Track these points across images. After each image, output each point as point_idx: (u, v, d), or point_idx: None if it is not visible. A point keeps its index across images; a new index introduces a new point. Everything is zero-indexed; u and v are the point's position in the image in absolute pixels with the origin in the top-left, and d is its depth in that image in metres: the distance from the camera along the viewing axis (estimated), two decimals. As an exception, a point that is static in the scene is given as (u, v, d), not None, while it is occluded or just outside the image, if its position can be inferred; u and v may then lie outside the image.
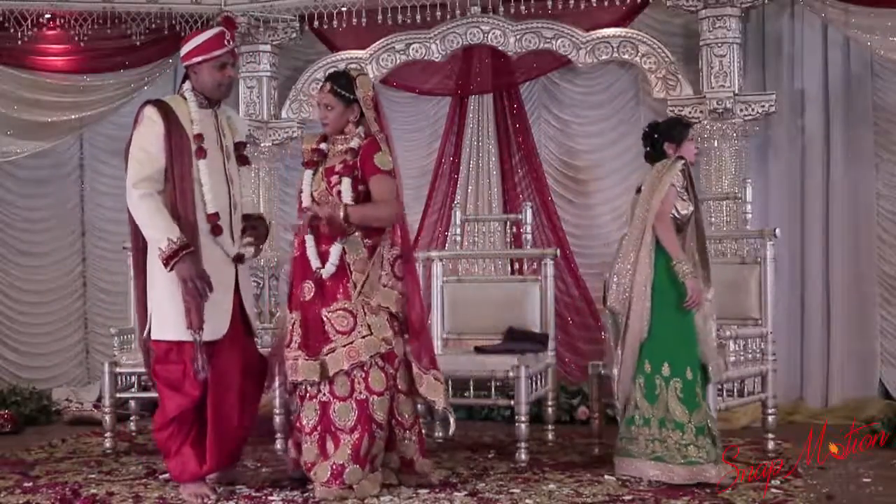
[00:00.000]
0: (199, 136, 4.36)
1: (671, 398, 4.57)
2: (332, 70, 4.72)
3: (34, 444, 5.86)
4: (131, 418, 6.17)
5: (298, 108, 7.19)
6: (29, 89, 7.16)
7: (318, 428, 4.38)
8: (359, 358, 4.32)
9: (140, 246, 4.42)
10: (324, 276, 4.36)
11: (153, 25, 7.14)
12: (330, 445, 4.35)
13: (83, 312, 7.73)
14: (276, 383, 5.05)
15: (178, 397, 4.36)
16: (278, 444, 5.39)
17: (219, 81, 4.44)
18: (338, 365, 4.33)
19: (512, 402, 5.10)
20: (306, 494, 4.42)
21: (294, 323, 4.43)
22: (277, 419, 5.38)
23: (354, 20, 6.90)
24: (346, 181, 4.39)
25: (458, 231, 6.17)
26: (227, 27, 4.51)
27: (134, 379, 5.69)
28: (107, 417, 5.52)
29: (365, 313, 4.36)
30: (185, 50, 4.46)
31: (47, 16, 7.09)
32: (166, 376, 4.36)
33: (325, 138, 4.58)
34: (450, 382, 5.22)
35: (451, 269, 6.04)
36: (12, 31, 6.94)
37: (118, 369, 5.53)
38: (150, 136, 4.32)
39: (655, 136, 4.89)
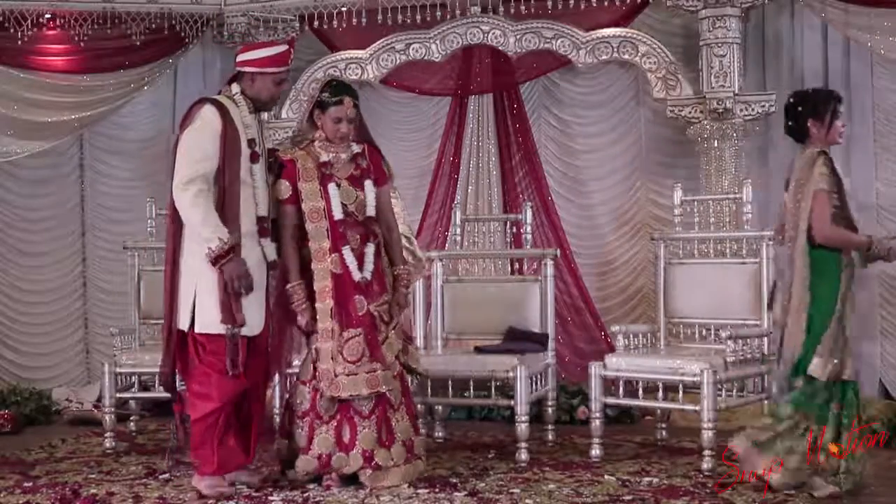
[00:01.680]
0: (253, 141, 4.45)
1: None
2: (334, 83, 4.70)
3: (34, 444, 5.86)
4: (131, 418, 6.17)
5: (298, 108, 7.17)
6: (29, 89, 7.15)
7: (376, 412, 4.53)
8: (405, 336, 4.72)
9: (177, 238, 4.43)
10: (368, 279, 4.55)
11: (153, 25, 7.14)
12: (383, 430, 4.54)
13: (83, 312, 7.71)
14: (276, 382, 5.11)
15: (230, 384, 4.37)
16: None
17: (273, 95, 4.59)
18: (394, 350, 4.61)
19: (512, 402, 5.10)
20: (306, 495, 4.42)
21: (358, 337, 4.51)
22: (278, 419, 5.38)
23: (354, 20, 6.91)
24: (370, 186, 4.61)
25: (458, 231, 6.17)
26: (291, 47, 4.67)
27: (134, 379, 5.70)
28: (107, 417, 5.52)
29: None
30: (249, 56, 4.53)
31: (47, 16, 7.08)
32: (219, 365, 4.36)
33: (305, 147, 4.63)
34: (450, 382, 5.26)
35: (451, 269, 6.04)
36: (12, 31, 6.92)
37: (118, 369, 5.54)
38: (207, 135, 4.36)
39: (799, 109, 4.45)
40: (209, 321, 4.36)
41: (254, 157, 4.44)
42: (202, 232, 4.31)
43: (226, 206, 4.36)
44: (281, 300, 4.62)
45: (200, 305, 4.36)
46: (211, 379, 4.38)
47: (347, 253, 4.53)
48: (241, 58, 4.57)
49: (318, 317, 4.53)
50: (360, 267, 4.54)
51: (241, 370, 4.36)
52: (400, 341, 4.67)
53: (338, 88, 4.62)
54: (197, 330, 4.38)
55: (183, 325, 4.42)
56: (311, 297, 4.56)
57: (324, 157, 4.59)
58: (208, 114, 4.39)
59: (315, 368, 4.56)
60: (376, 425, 4.53)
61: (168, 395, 4.69)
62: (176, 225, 4.45)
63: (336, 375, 4.48)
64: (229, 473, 4.50)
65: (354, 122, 4.61)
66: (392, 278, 4.71)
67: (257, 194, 4.45)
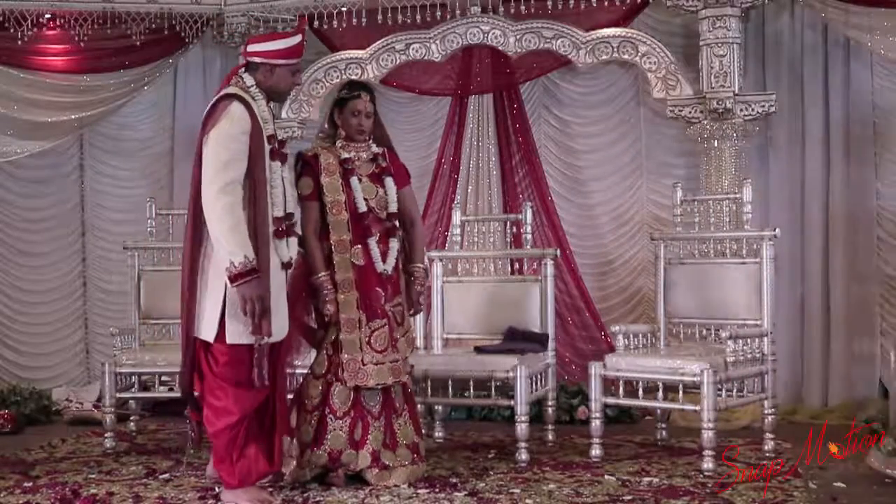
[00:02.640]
0: (273, 137, 4.32)
1: None
2: (350, 82, 4.94)
3: (34, 444, 5.86)
4: (131, 418, 6.17)
5: (298, 108, 7.18)
6: (29, 89, 7.15)
7: (385, 412, 4.64)
8: (414, 345, 4.83)
9: (196, 242, 4.23)
10: (389, 272, 4.66)
11: (153, 25, 7.14)
12: (388, 433, 4.63)
13: (83, 312, 7.72)
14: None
15: (249, 395, 4.24)
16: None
17: (290, 86, 4.53)
18: (403, 353, 4.71)
19: (512, 402, 5.10)
20: (306, 495, 4.42)
21: (384, 328, 4.61)
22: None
23: (354, 20, 6.91)
24: (390, 182, 4.73)
25: (458, 231, 6.17)
26: (304, 37, 4.59)
27: (134, 379, 5.69)
28: (107, 417, 5.52)
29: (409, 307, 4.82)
30: (266, 47, 4.38)
31: (47, 16, 7.08)
32: (236, 377, 4.22)
33: (328, 147, 4.75)
34: (450, 382, 5.26)
35: (451, 269, 6.04)
36: (12, 31, 6.93)
37: (118, 369, 5.53)
38: (237, 133, 4.18)
39: None
40: (239, 331, 4.20)
41: (273, 155, 4.30)
42: (227, 244, 4.10)
43: (257, 210, 4.20)
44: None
45: (229, 316, 4.19)
46: (227, 392, 4.22)
47: (372, 244, 4.63)
48: (255, 48, 4.39)
49: (341, 308, 4.58)
50: (384, 261, 4.65)
51: (266, 380, 4.25)
52: (408, 347, 4.74)
53: (354, 86, 4.81)
54: (228, 341, 4.20)
55: (207, 335, 4.22)
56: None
57: (345, 155, 4.71)
58: (237, 111, 4.21)
59: (330, 362, 4.59)
60: (384, 427, 4.62)
61: (183, 397, 4.44)
62: (197, 229, 4.24)
63: (364, 364, 4.55)
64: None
65: (371, 117, 4.75)
66: (408, 276, 4.82)
67: (275, 193, 4.30)
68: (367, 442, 4.57)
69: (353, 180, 4.65)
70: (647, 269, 6.85)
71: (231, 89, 4.32)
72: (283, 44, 4.43)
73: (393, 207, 4.72)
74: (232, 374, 4.23)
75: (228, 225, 4.10)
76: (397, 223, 4.77)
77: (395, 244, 4.70)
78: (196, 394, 4.40)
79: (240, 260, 4.09)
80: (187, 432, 4.51)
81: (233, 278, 4.10)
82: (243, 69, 4.41)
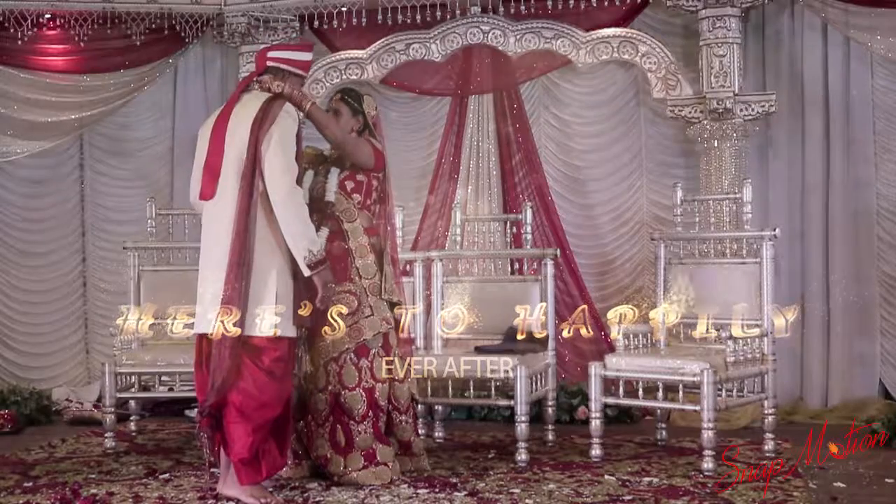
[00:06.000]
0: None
1: None
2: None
3: (34, 444, 5.86)
4: (131, 418, 6.17)
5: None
6: (29, 89, 7.16)
7: (331, 418, 4.59)
8: (362, 336, 4.61)
9: (249, 243, 4.24)
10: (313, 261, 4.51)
11: (153, 25, 7.14)
12: (341, 436, 4.57)
13: (83, 312, 7.71)
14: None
15: (286, 390, 4.39)
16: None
17: None
18: (343, 344, 4.56)
19: (512, 402, 5.10)
20: (306, 495, 4.42)
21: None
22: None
23: (354, 20, 6.91)
24: (334, 172, 4.74)
25: (458, 231, 6.17)
26: None
27: (134, 379, 5.69)
28: (107, 417, 5.52)
29: (367, 295, 4.66)
30: (294, 56, 4.58)
31: (47, 16, 7.08)
32: (283, 371, 4.34)
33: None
34: (450, 382, 5.26)
35: (451, 269, 6.04)
36: (12, 31, 6.93)
37: (118, 369, 5.53)
38: (294, 132, 4.38)
39: None
40: (287, 323, 4.32)
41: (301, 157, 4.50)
42: (308, 232, 4.32)
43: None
44: None
45: (288, 308, 4.31)
46: (269, 387, 4.27)
47: None
48: (278, 55, 4.55)
49: None
50: None
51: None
52: (353, 342, 4.61)
53: (337, 89, 4.97)
54: (280, 333, 4.28)
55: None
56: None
57: (325, 152, 4.85)
58: (294, 112, 4.41)
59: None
60: (329, 432, 4.60)
61: (213, 406, 4.30)
62: (247, 228, 4.25)
63: None
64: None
65: (344, 116, 4.80)
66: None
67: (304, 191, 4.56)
68: (314, 448, 4.62)
69: (308, 174, 4.73)
70: (647, 269, 6.85)
71: (266, 93, 4.44)
72: (303, 56, 4.64)
73: (330, 196, 4.71)
74: (279, 368, 4.31)
75: (305, 215, 4.33)
76: (337, 214, 4.70)
77: (323, 232, 4.62)
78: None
79: (318, 248, 4.33)
80: (204, 443, 4.37)
81: (313, 266, 4.28)
82: (262, 75, 4.51)
